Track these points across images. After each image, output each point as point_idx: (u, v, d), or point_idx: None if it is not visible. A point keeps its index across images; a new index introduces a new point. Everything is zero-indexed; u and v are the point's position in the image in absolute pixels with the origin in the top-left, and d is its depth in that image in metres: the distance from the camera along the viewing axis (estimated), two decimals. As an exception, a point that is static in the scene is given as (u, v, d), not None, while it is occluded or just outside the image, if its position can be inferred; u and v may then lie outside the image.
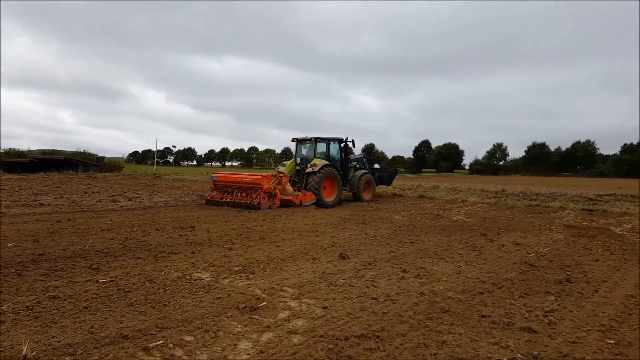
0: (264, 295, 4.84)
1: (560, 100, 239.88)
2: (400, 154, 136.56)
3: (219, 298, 4.69)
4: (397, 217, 12.71)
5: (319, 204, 15.14)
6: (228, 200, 14.50)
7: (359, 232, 9.63)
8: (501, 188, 23.93)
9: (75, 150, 59.85)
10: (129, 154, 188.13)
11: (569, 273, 6.22)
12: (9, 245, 6.97)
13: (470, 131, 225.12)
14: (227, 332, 3.78)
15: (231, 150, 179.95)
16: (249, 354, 3.38)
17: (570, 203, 17.12)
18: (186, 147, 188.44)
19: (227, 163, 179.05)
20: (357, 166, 18.47)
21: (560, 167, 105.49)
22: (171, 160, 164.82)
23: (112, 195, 17.10)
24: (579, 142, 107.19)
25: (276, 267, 6.17)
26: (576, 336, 3.88)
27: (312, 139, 16.68)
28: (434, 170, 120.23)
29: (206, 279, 5.42)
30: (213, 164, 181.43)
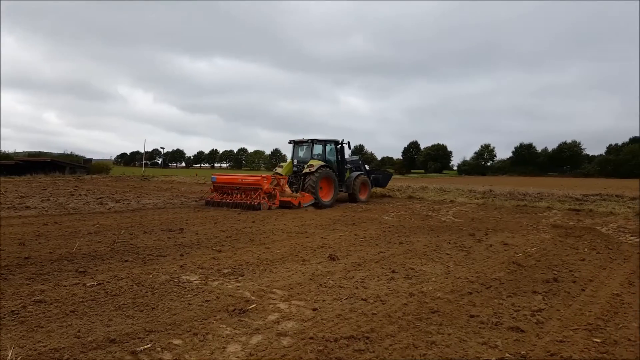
0: (253, 298, 4.82)
1: (547, 102, 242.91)
2: (390, 155, 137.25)
3: (208, 301, 4.66)
4: (386, 217, 12.75)
5: (316, 204, 15.41)
6: (228, 201, 14.74)
7: (348, 233, 9.64)
8: (489, 188, 24.10)
9: (62, 152, 59.24)
10: (117, 155, 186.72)
11: (556, 272, 6.28)
12: (-7, 248, 6.86)
13: (458, 132, 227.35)
14: (216, 335, 3.76)
15: (220, 152, 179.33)
16: (238, 357, 3.37)
17: (557, 203, 17.30)
18: (175, 148, 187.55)
19: (216, 164, 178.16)
20: (353, 168, 18.83)
21: (547, 167, 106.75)
22: (160, 162, 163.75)
23: (100, 198, 16.93)
24: (565, 143, 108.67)
25: (265, 269, 6.15)
26: (563, 335, 3.92)
27: (309, 141, 16.97)
28: (423, 171, 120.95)
29: (195, 282, 5.38)
30: (202, 165, 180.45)
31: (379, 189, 21.85)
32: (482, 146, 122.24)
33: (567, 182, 52.91)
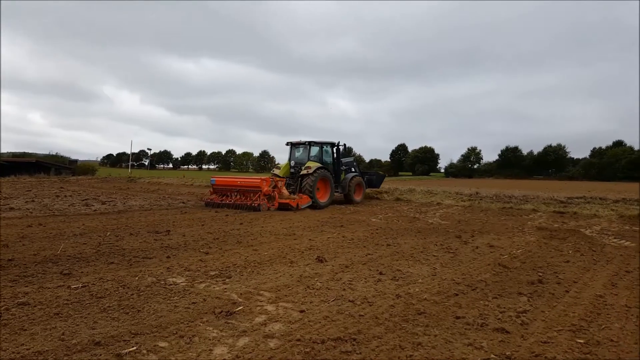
0: (240, 300, 4.80)
1: (533, 105, 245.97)
2: (378, 157, 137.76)
3: (195, 303, 4.64)
4: (374, 219, 12.79)
5: (313, 205, 15.79)
6: (228, 202, 15.07)
7: (336, 235, 9.66)
8: (475, 191, 24.28)
9: (47, 152, 58.40)
10: (103, 156, 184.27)
11: (541, 274, 6.36)
12: (-25, 250, 6.75)
13: (445, 135, 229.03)
14: (202, 338, 3.74)
15: (208, 153, 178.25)
16: (224, 359, 3.35)
17: (542, 205, 17.51)
18: (162, 149, 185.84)
19: (204, 166, 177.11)
20: (348, 169, 19.37)
21: (533, 170, 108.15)
22: (146, 163, 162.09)
23: (85, 199, 16.73)
24: (550, 146, 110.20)
25: (253, 271, 6.14)
26: (548, 336, 3.98)
27: (306, 143, 17.49)
28: (411, 173, 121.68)
29: (181, 284, 5.35)
30: (190, 167, 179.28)
31: (367, 191, 21.99)
32: (468, 149, 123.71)
33: (552, 184, 53.58)
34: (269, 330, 3.93)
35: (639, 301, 5.12)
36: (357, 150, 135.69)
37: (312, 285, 5.48)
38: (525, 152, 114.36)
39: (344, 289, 5.33)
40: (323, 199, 16.55)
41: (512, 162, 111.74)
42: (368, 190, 21.50)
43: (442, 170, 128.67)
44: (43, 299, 4.56)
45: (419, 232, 10.43)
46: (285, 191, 15.64)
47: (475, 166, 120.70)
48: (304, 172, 16.09)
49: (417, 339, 3.83)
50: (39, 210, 12.81)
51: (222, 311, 4.35)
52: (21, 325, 3.84)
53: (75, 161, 54.40)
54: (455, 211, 16.04)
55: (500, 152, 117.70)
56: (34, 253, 6.76)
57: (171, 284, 5.31)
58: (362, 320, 4.26)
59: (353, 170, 19.65)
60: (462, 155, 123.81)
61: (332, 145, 18.01)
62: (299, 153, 17.83)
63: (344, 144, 18.30)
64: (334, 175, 17.56)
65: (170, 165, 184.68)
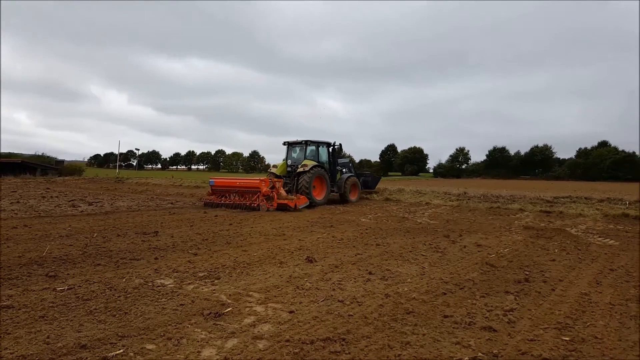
0: (229, 301, 4.78)
1: (519, 106, 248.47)
2: (367, 158, 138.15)
3: (183, 304, 4.61)
4: (363, 219, 12.82)
5: (310, 203, 16.06)
6: (228, 202, 15.21)
7: (326, 235, 9.66)
8: (463, 191, 24.44)
9: (33, 153, 57.62)
10: (90, 157, 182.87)
11: (527, 273, 6.43)
12: (-42, 253, 6.63)
13: (434, 136, 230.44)
14: (190, 340, 3.71)
15: (198, 153, 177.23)
16: (213, 361, 3.34)
17: (529, 205, 17.68)
18: (150, 149, 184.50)
19: (193, 167, 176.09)
20: (344, 169, 19.77)
21: (520, 170, 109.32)
22: (134, 164, 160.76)
23: (72, 200, 16.54)
24: (537, 147, 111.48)
25: (242, 272, 6.11)
26: (534, 334, 4.02)
27: (303, 142, 17.69)
28: (400, 173, 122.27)
29: (169, 286, 5.31)
30: (179, 167, 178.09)
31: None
32: (457, 149, 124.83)
33: (539, 184, 54.16)
34: (258, 332, 3.92)
35: (623, 299, 5.20)
36: (347, 150, 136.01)
37: (302, 285, 5.48)
38: (512, 152, 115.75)
39: (334, 289, 5.34)
40: (319, 196, 16.86)
41: (499, 162, 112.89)
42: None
43: (431, 171, 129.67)
44: (28, 302, 4.50)
45: (408, 231, 10.48)
46: (282, 191, 15.75)
47: (464, 166, 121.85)
48: (300, 169, 16.38)
49: (406, 338, 3.85)
50: (24, 211, 12.63)
51: (210, 312, 4.33)
52: (5, 329, 3.79)
53: (62, 161, 53.81)
54: (444, 211, 16.14)
55: (488, 153, 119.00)
56: (18, 255, 6.66)
57: (159, 286, 5.27)
58: (351, 320, 4.27)
59: (348, 171, 20.00)
60: (451, 156, 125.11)
61: (329, 145, 18.32)
62: (296, 152, 18.10)
63: (340, 144, 18.60)
64: (330, 175, 17.84)
65: (159, 166, 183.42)
